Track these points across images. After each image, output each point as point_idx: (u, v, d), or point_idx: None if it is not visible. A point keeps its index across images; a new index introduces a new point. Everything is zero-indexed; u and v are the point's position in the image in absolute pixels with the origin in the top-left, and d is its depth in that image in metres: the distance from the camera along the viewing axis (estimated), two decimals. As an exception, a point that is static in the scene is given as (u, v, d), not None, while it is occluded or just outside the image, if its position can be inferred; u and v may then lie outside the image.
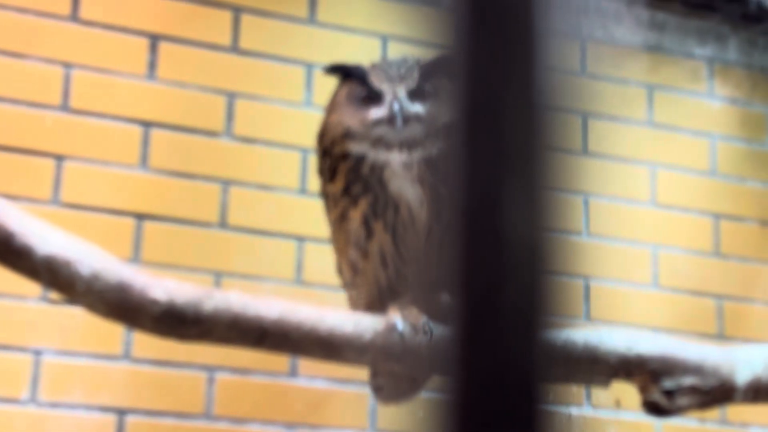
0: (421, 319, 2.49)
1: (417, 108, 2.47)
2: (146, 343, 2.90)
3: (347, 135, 2.50)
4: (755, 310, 3.57)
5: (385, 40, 3.36)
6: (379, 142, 2.47)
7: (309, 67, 3.27)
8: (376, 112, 2.48)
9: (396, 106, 2.45)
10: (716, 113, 3.68)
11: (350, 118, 2.51)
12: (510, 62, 0.71)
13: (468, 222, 0.71)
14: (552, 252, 0.70)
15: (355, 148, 2.49)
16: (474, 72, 0.71)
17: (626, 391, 2.58)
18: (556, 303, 0.70)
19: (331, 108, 2.58)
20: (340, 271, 2.73)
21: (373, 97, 2.49)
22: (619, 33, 3.61)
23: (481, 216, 0.71)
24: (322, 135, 2.59)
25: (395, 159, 2.46)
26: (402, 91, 2.47)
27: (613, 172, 3.50)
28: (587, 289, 3.36)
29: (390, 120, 2.45)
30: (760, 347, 2.69)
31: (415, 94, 2.48)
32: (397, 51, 3.24)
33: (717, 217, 3.57)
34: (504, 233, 0.70)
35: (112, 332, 2.89)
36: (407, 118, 2.45)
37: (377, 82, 2.48)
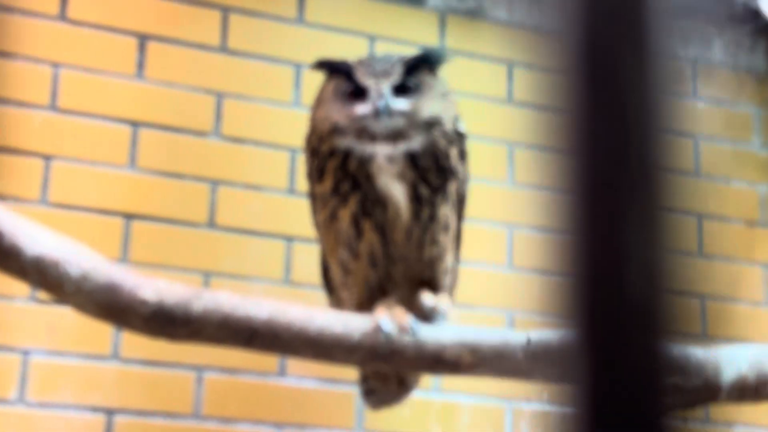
0: (407, 319, 2.51)
1: (401, 103, 2.52)
2: (135, 343, 2.91)
3: (334, 130, 2.54)
4: (739, 310, 3.59)
5: (372, 39, 3.38)
6: (365, 135, 2.51)
7: (297, 66, 3.28)
8: (362, 108, 2.53)
9: (380, 102, 2.50)
10: (700, 114, 3.71)
11: (336, 113, 2.55)
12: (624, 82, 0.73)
13: (591, 245, 0.72)
14: (672, 271, 0.72)
15: (342, 142, 2.53)
16: (589, 98, 0.73)
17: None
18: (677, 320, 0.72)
19: (318, 104, 2.62)
20: (325, 273, 2.75)
21: (358, 93, 2.54)
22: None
23: (603, 237, 0.72)
24: (311, 132, 2.62)
25: (380, 151, 2.50)
26: (386, 87, 2.51)
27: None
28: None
29: (374, 114, 2.50)
30: (745, 347, 2.72)
31: (399, 90, 2.53)
32: (384, 51, 3.26)
33: (700, 217, 3.60)
34: (625, 254, 0.71)
35: (101, 332, 2.90)
36: (391, 113, 2.50)
37: (362, 77, 2.53)
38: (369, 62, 2.56)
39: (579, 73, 0.73)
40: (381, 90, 2.51)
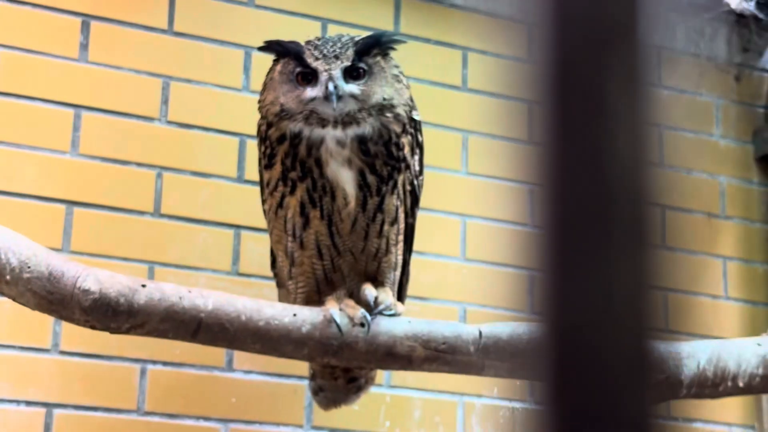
0: (359, 312, 2.51)
1: (351, 87, 2.51)
2: (76, 336, 2.88)
3: (282, 114, 2.53)
4: (699, 303, 3.61)
5: (325, 23, 3.36)
6: (314, 120, 2.50)
7: (247, 50, 3.26)
8: (311, 91, 2.52)
9: (331, 86, 2.49)
10: (665, 103, 3.72)
11: (284, 96, 2.54)
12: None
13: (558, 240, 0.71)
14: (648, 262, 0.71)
15: (291, 126, 2.52)
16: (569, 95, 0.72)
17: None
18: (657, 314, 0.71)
19: (266, 87, 2.61)
20: (273, 264, 2.74)
21: (308, 76, 2.53)
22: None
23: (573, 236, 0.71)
24: (261, 116, 2.61)
25: (330, 135, 2.49)
26: (337, 70, 2.50)
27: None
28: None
29: (325, 98, 2.49)
30: (704, 342, 2.73)
31: (350, 73, 2.52)
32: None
33: (662, 208, 3.61)
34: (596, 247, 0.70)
35: (40, 324, 2.87)
36: (341, 97, 2.49)
37: (312, 60, 2.52)
38: (319, 44, 2.55)
39: (547, 64, 0.72)
40: (331, 73, 2.50)
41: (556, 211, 0.73)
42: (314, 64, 2.52)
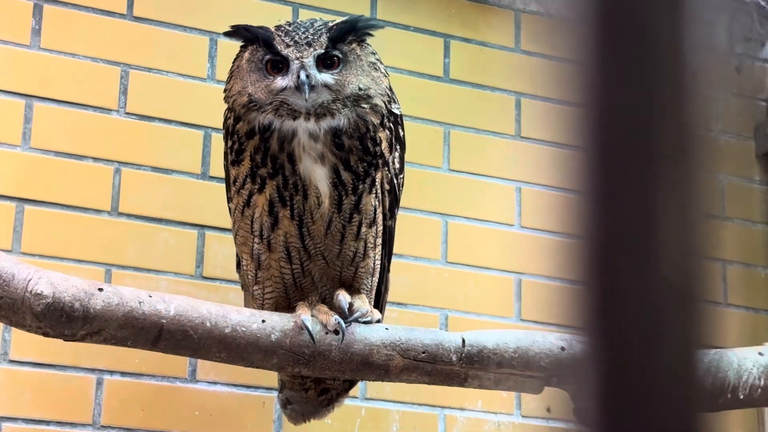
0: (333, 318, 2.50)
1: (325, 76, 2.50)
2: (27, 344, 2.86)
3: (251, 104, 2.52)
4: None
5: (296, 8, 3.36)
6: (285, 110, 2.49)
7: (213, 37, 3.25)
8: (282, 80, 2.51)
9: (302, 75, 2.47)
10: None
11: (253, 85, 2.53)
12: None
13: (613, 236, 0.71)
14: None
15: (260, 118, 2.51)
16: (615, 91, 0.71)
17: (557, 397, 2.61)
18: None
19: (233, 76, 2.59)
20: (238, 267, 2.73)
21: (278, 64, 2.52)
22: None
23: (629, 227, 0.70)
24: (228, 108, 2.59)
25: (302, 127, 2.48)
26: (309, 58, 2.49)
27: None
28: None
29: (296, 88, 2.48)
30: (704, 351, 2.73)
31: (323, 61, 2.51)
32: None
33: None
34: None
35: (-12, 330, 2.86)
36: (314, 87, 2.48)
37: (283, 47, 2.50)
38: (290, 30, 2.53)
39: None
40: (303, 61, 2.49)
41: (597, 222, 0.72)
42: (285, 51, 2.50)
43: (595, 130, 0.71)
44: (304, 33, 2.51)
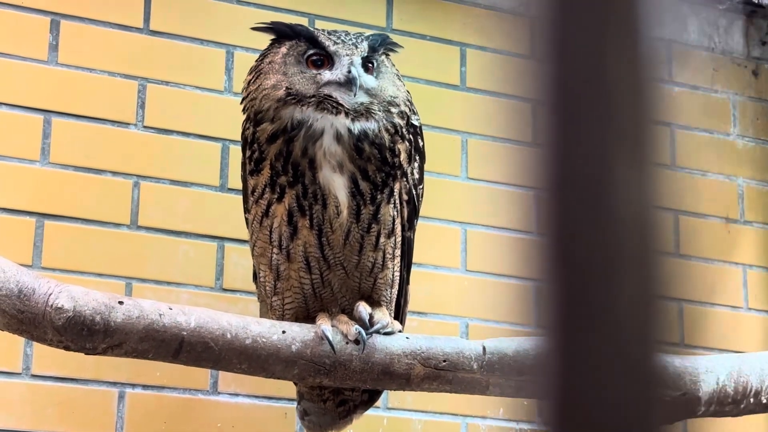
0: (353, 328, 2.51)
1: (369, 79, 2.55)
2: (49, 358, 2.88)
3: (289, 97, 2.53)
4: (719, 315, 3.62)
5: (312, 19, 3.37)
6: (329, 104, 2.51)
7: (229, 49, 3.26)
8: (330, 74, 2.54)
9: (354, 72, 2.51)
10: (676, 100, 3.73)
11: (294, 77, 2.55)
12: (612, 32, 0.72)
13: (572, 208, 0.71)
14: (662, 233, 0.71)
15: (297, 112, 2.52)
16: (571, 44, 0.72)
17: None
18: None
19: (263, 72, 2.60)
20: (255, 278, 2.73)
21: (319, 61, 2.55)
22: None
23: (587, 198, 0.71)
24: (247, 117, 2.60)
25: (334, 126, 2.50)
26: (357, 57, 2.53)
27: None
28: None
29: (345, 83, 2.52)
30: (724, 356, 2.73)
31: (364, 64, 2.56)
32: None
33: (676, 213, 3.61)
34: (613, 213, 0.70)
35: (10, 346, 2.87)
36: (360, 85, 2.52)
37: (331, 44, 2.55)
38: (331, 32, 2.60)
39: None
40: (353, 59, 2.54)
41: (561, 219, 0.73)
42: (333, 47, 2.55)
43: (552, 83, 0.72)
44: (347, 36, 2.57)
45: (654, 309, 0.72)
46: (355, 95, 2.53)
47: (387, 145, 2.56)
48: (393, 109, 2.58)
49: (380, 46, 2.64)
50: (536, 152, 0.71)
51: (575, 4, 0.73)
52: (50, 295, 2.27)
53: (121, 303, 2.32)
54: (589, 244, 0.72)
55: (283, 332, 2.46)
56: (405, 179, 2.62)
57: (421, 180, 2.69)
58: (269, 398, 3.11)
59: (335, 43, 2.56)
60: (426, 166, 2.74)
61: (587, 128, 0.72)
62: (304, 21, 3.34)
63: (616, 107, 0.72)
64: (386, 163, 2.56)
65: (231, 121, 2.91)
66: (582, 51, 0.73)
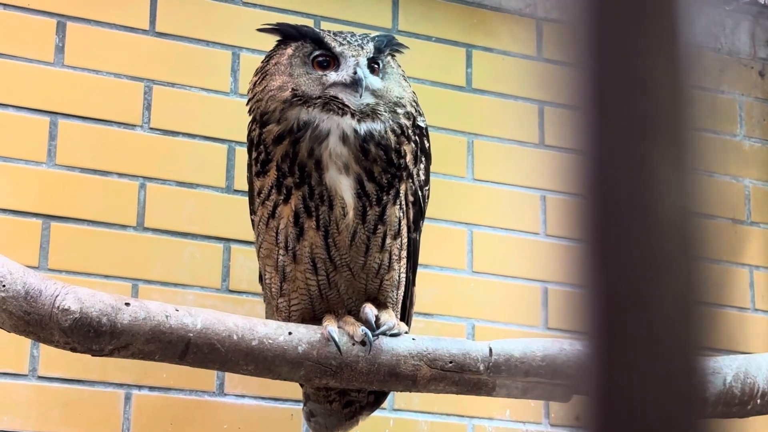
0: (359, 329, 2.51)
1: (375, 80, 2.55)
2: (55, 359, 2.88)
3: (295, 98, 2.54)
4: (726, 316, 3.61)
5: (317, 21, 3.37)
6: (335, 106, 2.51)
7: (235, 51, 3.27)
8: (336, 75, 2.54)
9: (360, 72, 2.52)
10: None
11: (300, 78, 2.55)
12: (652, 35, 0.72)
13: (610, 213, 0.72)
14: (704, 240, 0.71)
15: (303, 113, 2.52)
16: (610, 48, 0.72)
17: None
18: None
19: (268, 73, 2.60)
20: (261, 279, 2.73)
21: (324, 62, 2.56)
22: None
23: (626, 201, 0.71)
24: (252, 118, 2.60)
25: (340, 126, 2.50)
26: (363, 58, 2.54)
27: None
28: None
29: (351, 84, 2.52)
30: (731, 357, 2.73)
31: (369, 65, 2.57)
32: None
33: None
34: (654, 218, 0.70)
35: (17, 347, 2.88)
36: (366, 86, 2.53)
37: (337, 45, 2.55)
38: (336, 33, 2.60)
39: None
40: (359, 59, 2.54)
41: (602, 225, 0.73)
42: (339, 48, 2.55)
43: (590, 91, 0.72)
44: (352, 37, 2.57)
45: (695, 313, 0.72)
46: (360, 96, 2.53)
47: (393, 146, 2.56)
48: (399, 110, 2.58)
49: (386, 47, 2.64)
50: (575, 158, 0.71)
51: (613, 8, 0.74)
52: (57, 296, 2.27)
53: (127, 304, 2.32)
54: (629, 250, 0.72)
55: (290, 333, 2.46)
56: (411, 180, 2.62)
57: (427, 181, 2.69)
58: (275, 399, 3.11)
59: (341, 44, 2.56)
60: (432, 168, 2.74)
61: (627, 133, 0.73)
62: (309, 22, 3.35)
63: (655, 111, 0.72)
64: (392, 165, 2.56)
65: (237, 122, 2.91)
66: (620, 54, 0.73)
